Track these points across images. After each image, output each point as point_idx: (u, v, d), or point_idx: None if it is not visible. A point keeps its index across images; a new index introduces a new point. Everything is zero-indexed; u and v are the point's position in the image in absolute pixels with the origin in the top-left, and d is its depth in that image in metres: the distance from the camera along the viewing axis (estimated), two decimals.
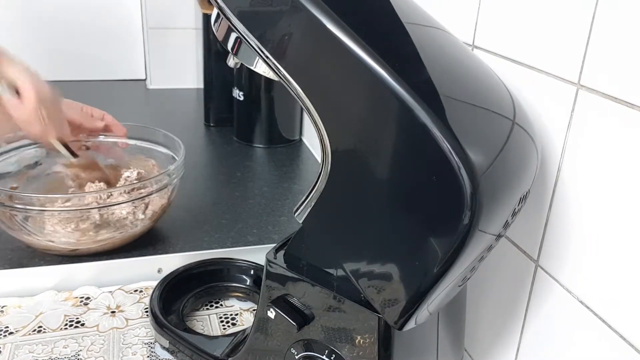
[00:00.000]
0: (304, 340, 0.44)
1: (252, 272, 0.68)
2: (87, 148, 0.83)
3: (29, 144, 0.79)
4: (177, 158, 0.76)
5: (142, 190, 0.70)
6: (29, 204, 0.66)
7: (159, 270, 0.70)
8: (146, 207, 0.73)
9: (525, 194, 0.39)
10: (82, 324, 0.62)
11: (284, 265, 0.45)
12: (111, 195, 0.69)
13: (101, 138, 0.83)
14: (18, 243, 0.72)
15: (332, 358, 0.43)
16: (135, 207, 0.71)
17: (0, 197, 0.66)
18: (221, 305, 0.67)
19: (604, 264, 0.40)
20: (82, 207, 0.68)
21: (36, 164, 0.79)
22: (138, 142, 0.84)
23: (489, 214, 0.34)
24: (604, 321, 0.40)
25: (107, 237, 0.70)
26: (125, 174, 0.78)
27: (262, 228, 0.81)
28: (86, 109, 0.82)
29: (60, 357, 0.57)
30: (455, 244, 0.33)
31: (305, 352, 0.44)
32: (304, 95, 0.36)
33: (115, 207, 0.69)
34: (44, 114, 0.69)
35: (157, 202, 0.73)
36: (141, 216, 0.72)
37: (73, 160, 0.77)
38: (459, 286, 0.42)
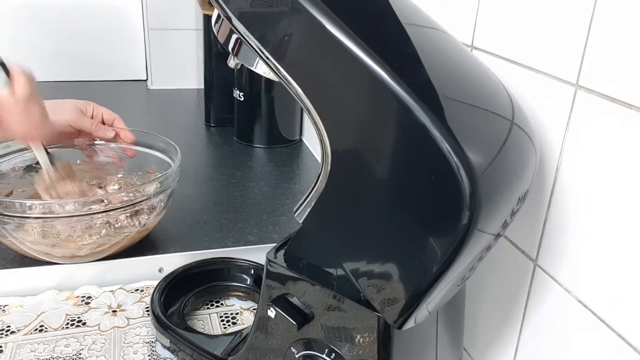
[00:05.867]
0: (304, 339, 0.44)
1: (252, 271, 0.68)
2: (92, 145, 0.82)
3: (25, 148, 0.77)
4: (172, 163, 0.75)
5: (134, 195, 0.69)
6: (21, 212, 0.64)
7: (160, 270, 0.71)
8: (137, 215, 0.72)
9: (524, 193, 0.39)
10: (84, 323, 0.62)
11: (284, 265, 0.45)
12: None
13: (111, 145, 0.83)
14: None
15: (332, 357, 0.43)
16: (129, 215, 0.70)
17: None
18: (222, 304, 0.68)
19: (602, 263, 0.40)
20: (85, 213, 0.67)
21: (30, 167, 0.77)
22: (138, 148, 0.83)
23: (487, 213, 0.34)
24: (602, 320, 0.40)
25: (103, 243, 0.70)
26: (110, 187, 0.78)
27: (262, 228, 0.82)
28: (97, 112, 0.80)
29: (61, 356, 0.57)
30: (454, 244, 0.33)
31: (305, 351, 0.44)
32: (304, 95, 0.36)
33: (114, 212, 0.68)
34: (33, 111, 0.64)
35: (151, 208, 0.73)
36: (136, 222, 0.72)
37: (50, 173, 0.72)
38: (458, 285, 0.42)
